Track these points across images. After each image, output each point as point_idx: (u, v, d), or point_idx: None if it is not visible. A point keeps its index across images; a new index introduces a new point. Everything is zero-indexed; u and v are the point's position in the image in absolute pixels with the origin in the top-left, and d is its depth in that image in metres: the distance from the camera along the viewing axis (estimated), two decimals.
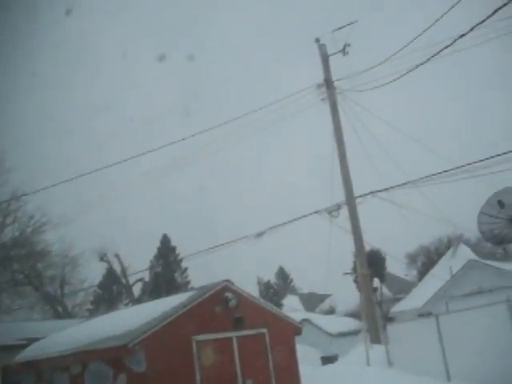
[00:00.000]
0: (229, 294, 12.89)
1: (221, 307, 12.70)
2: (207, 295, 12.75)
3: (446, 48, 16.59)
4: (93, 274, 43.25)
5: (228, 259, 34.55)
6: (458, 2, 13.74)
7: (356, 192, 21.25)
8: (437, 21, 15.25)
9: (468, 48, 16.83)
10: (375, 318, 22.51)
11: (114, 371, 11.16)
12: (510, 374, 14.58)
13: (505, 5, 12.77)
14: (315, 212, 21.64)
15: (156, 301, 16.03)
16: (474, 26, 14.57)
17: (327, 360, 25.71)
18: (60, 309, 40.15)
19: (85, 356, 11.86)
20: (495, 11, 13.13)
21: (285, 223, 22.34)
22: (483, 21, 14.01)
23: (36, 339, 15.75)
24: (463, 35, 15.22)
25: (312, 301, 55.92)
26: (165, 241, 46.93)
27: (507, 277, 24.78)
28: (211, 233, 45.27)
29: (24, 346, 15.27)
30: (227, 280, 13.16)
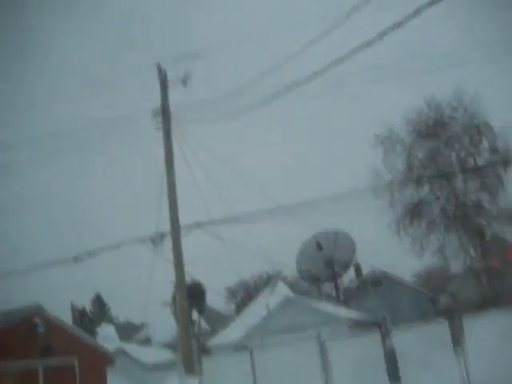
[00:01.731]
0: (38, 320, 11.96)
1: (28, 333, 11.72)
2: (13, 320, 11.74)
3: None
4: None
5: (42, 283, 32.33)
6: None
7: (182, 223, 21.12)
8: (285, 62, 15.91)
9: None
10: (191, 350, 22.27)
11: None
12: None
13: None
14: (138, 239, 21.07)
15: None
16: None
17: None
18: None
19: None
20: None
21: (104, 249, 21.35)
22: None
23: None
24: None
25: (128, 330, 54.29)
26: None
27: (320, 314, 26.00)
28: (26, 252, 42.12)
29: None
30: (37, 304, 12.22)
